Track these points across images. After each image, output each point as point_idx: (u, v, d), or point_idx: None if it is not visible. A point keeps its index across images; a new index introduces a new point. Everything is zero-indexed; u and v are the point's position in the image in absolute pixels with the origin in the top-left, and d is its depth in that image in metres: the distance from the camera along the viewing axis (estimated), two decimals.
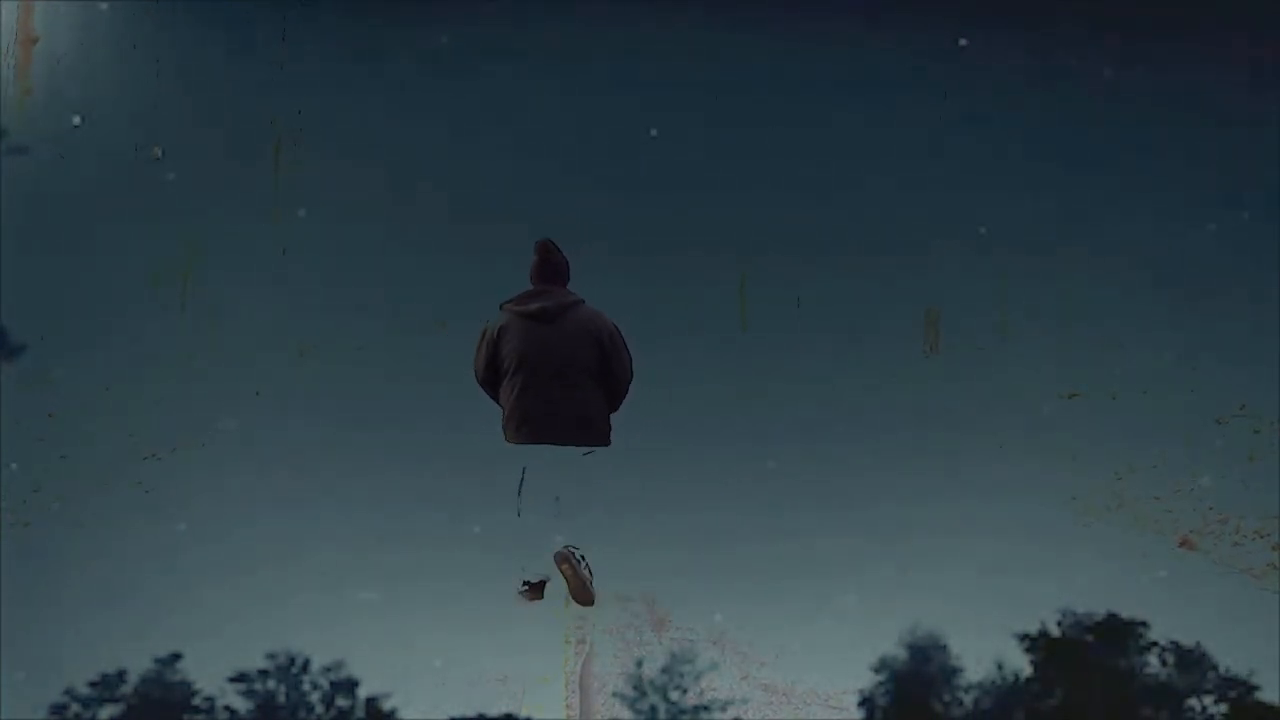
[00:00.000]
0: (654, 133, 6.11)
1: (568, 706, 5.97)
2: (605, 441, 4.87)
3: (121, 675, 6.18)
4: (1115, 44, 6.54)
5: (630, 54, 6.42)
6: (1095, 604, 6.59)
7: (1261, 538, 6.11)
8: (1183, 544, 6.23)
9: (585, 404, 4.70)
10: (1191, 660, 5.94)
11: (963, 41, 6.14)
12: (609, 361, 4.73)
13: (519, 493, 4.88)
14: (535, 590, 4.89)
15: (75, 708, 6.23)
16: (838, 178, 6.44)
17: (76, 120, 6.08)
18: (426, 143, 6.41)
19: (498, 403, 4.90)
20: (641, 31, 6.44)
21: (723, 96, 6.47)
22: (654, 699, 6.47)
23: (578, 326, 4.75)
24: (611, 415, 4.93)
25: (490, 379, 4.82)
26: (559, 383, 4.67)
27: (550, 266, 4.85)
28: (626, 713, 6.26)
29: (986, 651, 6.48)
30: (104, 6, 6.21)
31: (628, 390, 4.82)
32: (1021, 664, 6.50)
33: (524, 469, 4.84)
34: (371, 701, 6.29)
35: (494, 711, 6.21)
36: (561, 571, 5.02)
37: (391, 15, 6.31)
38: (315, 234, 6.40)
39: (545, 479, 5.15)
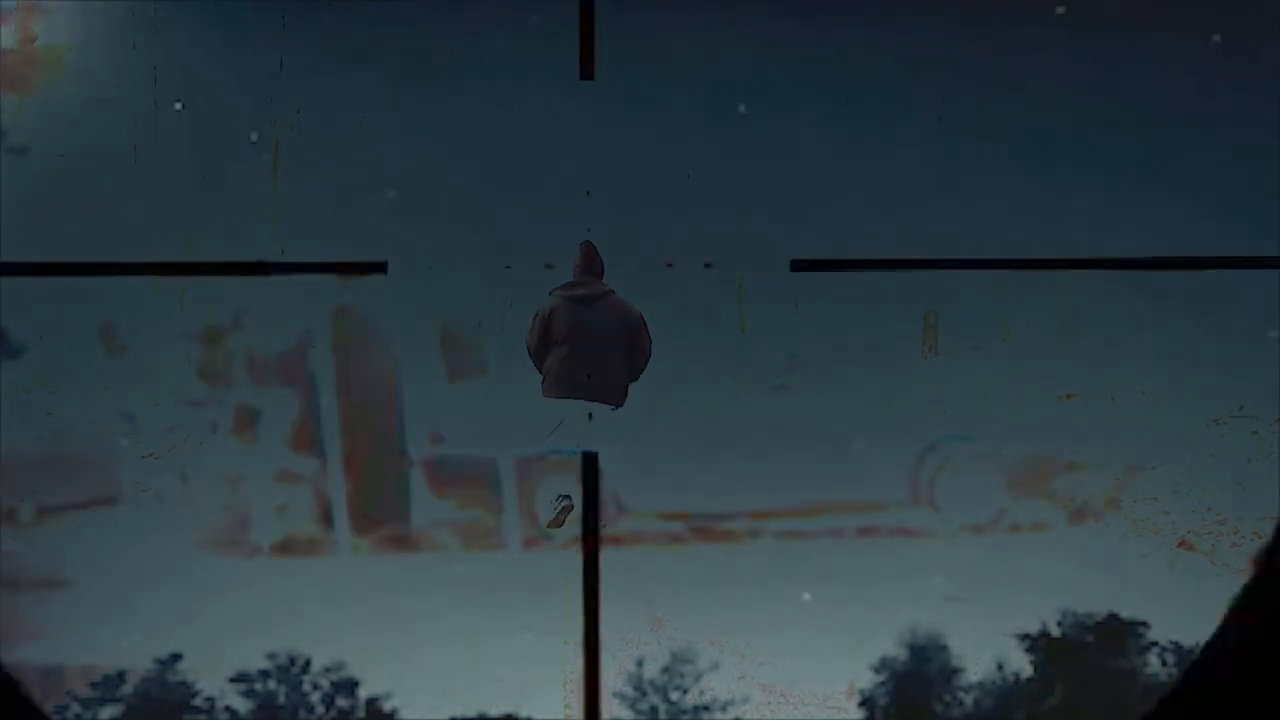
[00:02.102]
0: (742, 108, 6.39)
1: (566, 706, 5.97)
2: (620, 403, 6.00)
3: (121, 675, 6.17)
4: (1115, 47, 6.56)
5: (631, 59, 6.42)
6: (1095, 604, 6.60)
7: (1261, 538, 6.13)
8: (1180, 545, 6.25)
9: (612, 371, 5.93)
10: (1191, 660, 5.95)
11: (1060, 9, 6.22)
12: (634, 339, 5.99)
13: (550, 433, 5.95)
14: (561, 515, 6.00)
15: (75, 708, 6.22)
16: (838, 179, 6.45)
17: (179, 105, 6.12)
18: (426, 144, 6.42)
19: (540, 370, 5.99)
20: (642, 36, 6.45)
21: (718, 97, 6.48)
22: (654, 699, 6.47)
23: (612, 311, 6.00)
24: (630, 384, 6.06)
25: (540, 350, 5.99)
26: (595, 353, 5.92)
27: (592, 262, 6.11)
28: (627, 713, 6.25)
29: (986, 651, 6.49)
30: (104, 6, 6.21)
31: (646, 365, 6.04)
32: (1022, 664, 6.50)
33: (561, 420, 5.92)
34: (372, 702, 6.28)
35: (494, 711, 6.20)
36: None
37: (398, 15, 6.31)
38: (315, 234, 6.40)
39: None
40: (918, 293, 6.73)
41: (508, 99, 6.74)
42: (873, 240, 6.73)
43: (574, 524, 5.92)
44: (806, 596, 5.97)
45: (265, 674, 6.24)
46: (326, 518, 6.63)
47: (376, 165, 6.59)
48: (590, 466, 6.11)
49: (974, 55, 6.73)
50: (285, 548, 6.44)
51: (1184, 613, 5.97)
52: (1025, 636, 6.63)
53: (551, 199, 6.68)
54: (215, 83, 6.61)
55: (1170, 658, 6.49)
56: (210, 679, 5.92)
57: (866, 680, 6.48)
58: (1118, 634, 6.52)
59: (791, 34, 6.84)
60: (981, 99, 6.82)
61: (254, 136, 6.66)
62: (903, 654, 6.57)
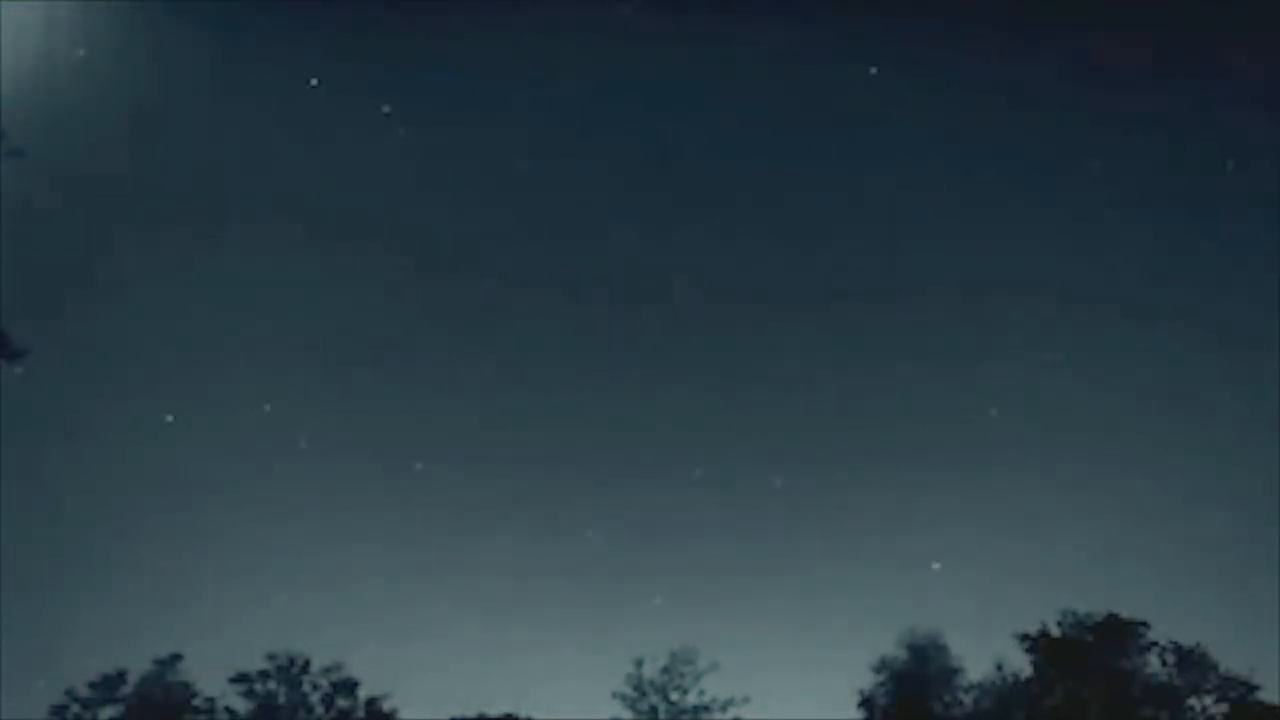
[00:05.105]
0: (873, 70, 6.63)
1: (566, 706, 6.05)
2: None
3: (122, 675, 6.26)
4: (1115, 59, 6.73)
5: (631, 69, 6.65)
6: (1095, 604, 6.70)
7: (1261, 540, 6.24)
8: (1180, 544, 6.35)
9: None
10: (1191, 660, 5.99)
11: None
12: None
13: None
14: None
15: (75, 708, 6.31)
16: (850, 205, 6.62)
17: (314, 81, 6.36)
18: (428, 142, 6.57)
19: None
20: (644, 42, 6.65)
21: (717, 102, 6.68)
22: (654, 699, 6.56)
23: None
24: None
25: None
26: None
27: None
28: (627, 713, 6.36)
29: (986, 651, 6.59)
30: (106, 7, 6.38)
31: None
32: (1022, 664, 6.60)
33: None
34: (372, 702, 6.38)
35: (494, 711, 6.31)
36: None
37: (399, 15, 6.48)
38: (316, 236, 6.54)
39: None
40: (922, 310, 6.90)
41: (509, 99, 6.91)
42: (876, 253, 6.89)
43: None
44: (936, 566, 6.22)
45: (265, 674, 6.33)
46: (328, 517, 6.77)
47: (378, 164, 6.73)
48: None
49: (976, 64, 6.91)
50: (285, 548, 6.58)
51: (1184, 613, 6.12)
52: (1025, 636, 6.73)
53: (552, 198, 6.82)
54: (214, 82, 6.76)
55: (1170, 658, 6.58)
56: (210, 679, 6.03)
57: (866, 680, 6.58)
58: (1118, 634, 6.61)
59: (792, 41, 7.04)
60: (986, 116, 7.02)
61: (267, 139, 6.81)
62: (902, 654, 6.66)
